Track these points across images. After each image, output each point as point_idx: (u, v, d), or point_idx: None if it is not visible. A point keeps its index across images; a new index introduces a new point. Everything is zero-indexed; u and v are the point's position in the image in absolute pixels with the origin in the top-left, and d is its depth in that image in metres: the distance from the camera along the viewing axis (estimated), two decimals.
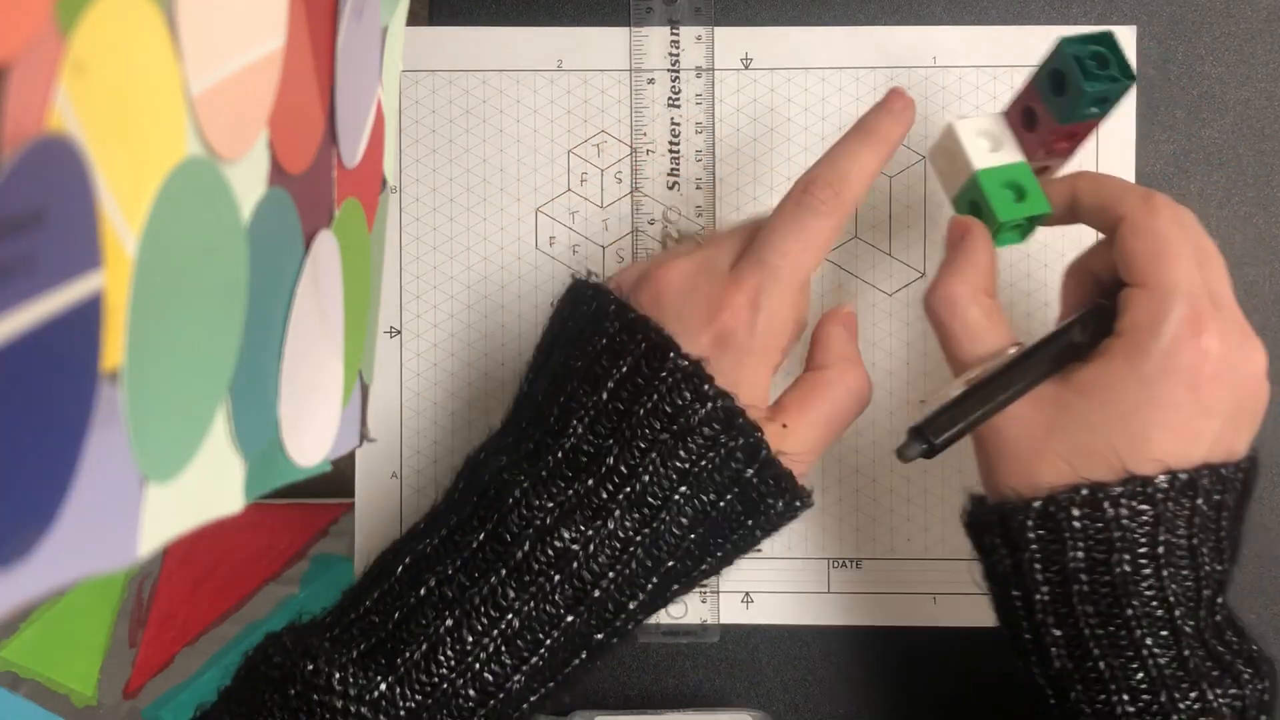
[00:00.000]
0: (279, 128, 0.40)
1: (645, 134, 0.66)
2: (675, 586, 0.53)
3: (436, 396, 0.67)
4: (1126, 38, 0.65)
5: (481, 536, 0.50)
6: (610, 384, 0.51)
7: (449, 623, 0.49)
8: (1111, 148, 0.65)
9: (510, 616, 0.49)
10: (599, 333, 0.52)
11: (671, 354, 0.50)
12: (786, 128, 0.66)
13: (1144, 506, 0.50)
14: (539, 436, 0.51)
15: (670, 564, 0.51)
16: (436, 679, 0.49)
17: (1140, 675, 0.50)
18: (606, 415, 0.50)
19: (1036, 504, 0.52)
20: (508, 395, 0.65)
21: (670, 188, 0.66)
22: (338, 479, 0.59)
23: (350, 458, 0.63)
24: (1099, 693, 0.51)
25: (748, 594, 0.66)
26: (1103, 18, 0.66)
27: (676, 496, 0.50)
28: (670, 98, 0.66)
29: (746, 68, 0.66)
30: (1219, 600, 0.53)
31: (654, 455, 0.50)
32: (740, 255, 0.53)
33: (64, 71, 0.27)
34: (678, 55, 0.66)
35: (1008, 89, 0.65)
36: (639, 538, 0.50)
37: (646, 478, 0.50)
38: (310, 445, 0.48)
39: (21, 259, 0.27)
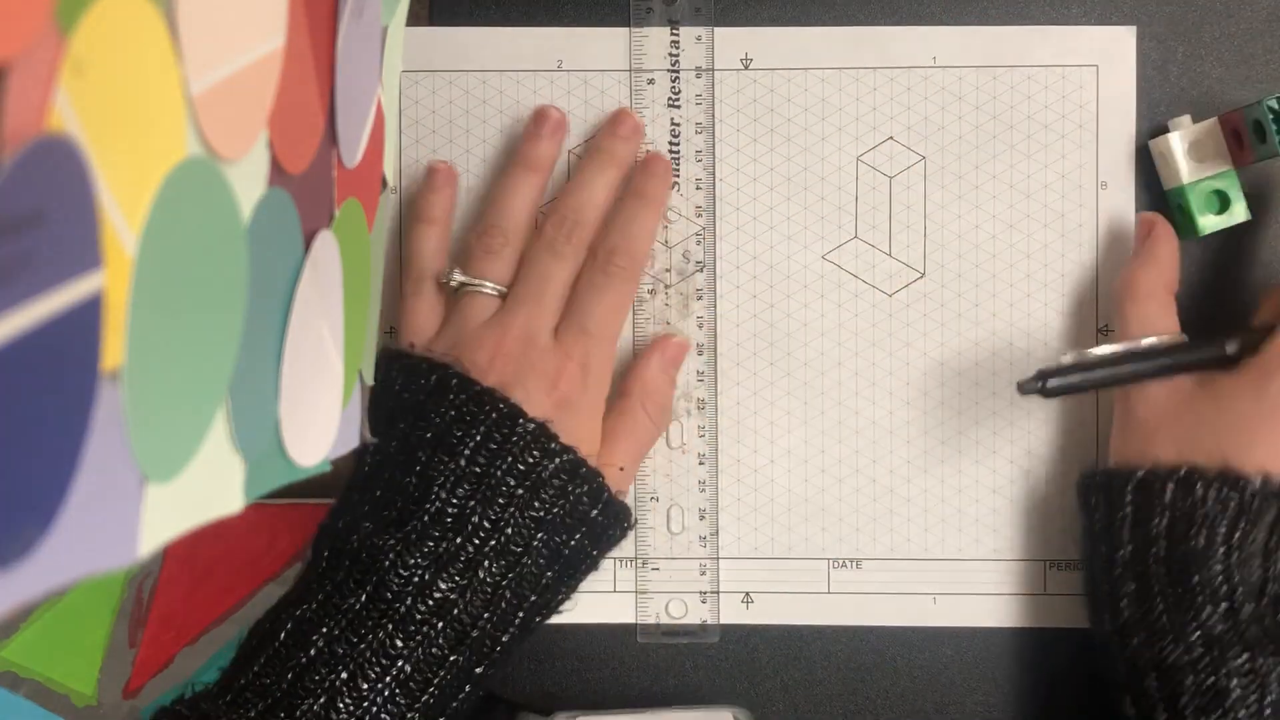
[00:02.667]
0: (279, 128, 0.40)
1: (645, 134, 0.66)
2: (537, 618, 0.59)
3: None
4: (1126, 39, 0.65)
5: (364, 597, 0.55)
6: (466, 450, 0.57)
7: (344, 675, 0.54)
8: (1112, 147, 0.65)
9: (401, 663, 0.55)
10: (443, 404, 0.58)
11: (520, 419, 0.57)
12: (786, 128, 0.66)
13: (1232, 495, 0.55)
14: (401, 504, 0.57)
15: (533, 599, 0.58)
16: None
17: (1197, 634, 0.55)
18: (466, 478, 0.57)
19: (1140, 473, 0.58)
20: None
21: (670, 188, 0.66)
22: (337, 479, 0.59)
23: (350, 457, 0.63)
24: (1157, 641, 0.56)
25: (748, 594, 0.66)
26: (1102, 18, 0.66)
27: (535, 543, 0.57)
28: (670, 98, 0.66)
29: (746, 68, 0.66)
30: None
31: (512, 509, 0.57)
32: (558, 321, 0.61)
33: (64, 71, 0.27)
34: (677, 55, 0.66)
35: (1008, 89, 0.65)
36: (505, 582, 0.57)
37: (510, 530, 0.57)
38: (310, 445, 0.48)
39: (21, 259, 0.27)
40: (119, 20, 0.30)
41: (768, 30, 0.66)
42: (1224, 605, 0.55)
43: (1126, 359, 0.59)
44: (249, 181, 0.39)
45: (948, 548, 0.66)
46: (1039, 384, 0.58)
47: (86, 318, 0.30)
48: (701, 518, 0.66)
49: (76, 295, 0.29)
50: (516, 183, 0.64)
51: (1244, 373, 0.57)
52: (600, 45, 0.66)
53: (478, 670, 0.57)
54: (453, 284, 0.62)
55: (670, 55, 0.66)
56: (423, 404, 0.59)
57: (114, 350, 0.31)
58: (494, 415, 0.57)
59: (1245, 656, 0.54)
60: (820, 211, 0.66)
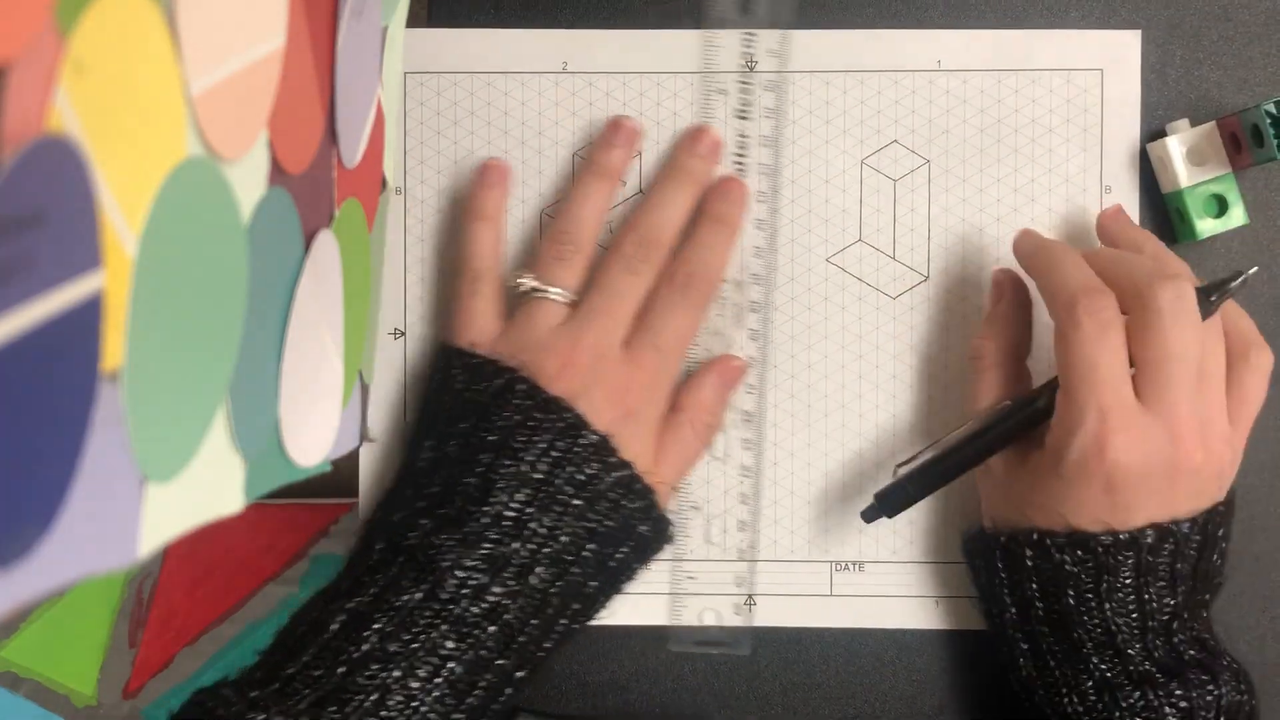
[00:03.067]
0: (279, 128, 0.40)
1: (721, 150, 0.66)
2: (576, 626, 0.60)
3: None
4: (1132, 43, 0.65)
5: (419, 596, 0.55)
6: (529, 456, 0.57)
7: (396, 673, 0.54)
8: (1116, 151, 0.65)
9: (452, 664, 0.55)
10: (508, 408, 0.58)
11: (584, 430, 0.58)
12: (791, 131, 0.66)
13: (1086, 555, 0.57)
14: (460, 503, 0.57)
15: (576, 607, 0.59)
16: None
17: (1089, 683, 0.57)
18: (527, 483, 0.57)
19: (1001, 539, 0.59)
20: None
21: (745, 212, 0.66)
22: (338, 479, 0.59)
23: (352, 458, 0.63)
24: (1055, 694, 0.59)
25: (750, 596, 0.66)
26: (1101, 21, 0.66)
27: (585, 553, 0.58)
28: (739, 109, 0.66)
29: (751, 70, 0.66)
30: (1176, 624, 0.57)
31: (568, 518, 0.58)
32: (629, 330, 0.61)
33: (64, 71, 0.28)
34: (748, 60, 0.66)
35: (1013, 92, 0.65)
36: (553, 589, 0.57)
37: (564, 538, 0.57)
38: (310, 445, 0.49)
39: (21, 259, 0.27)
40: (119, 20, 0.30)
41: (771, 34, 0.66)
42: (1109, 652, 0.57)
43: (956, 449, 0.60)
44: (249, 181, 0.39)
45: (950, 551, 0.66)
46: (882, 509, 0.61)
47: (86, 318, 0.30)
48: (741, 529, 0.66)
49: (76, 295, 0.29)
50: (588, 190, 0.64)
51: (1045, 450, 0.57)
52: (606, 47, 0.66)
53: (519, 674, 0.58)
54: (521, 288, 0.62)
55: (742, 60, 0.66)
56: (486, 406, 0.59)
57: (114, 350, 0.31)
58: (559, 424, 0.58)
59: (1138, 695, 0.56)
60: (824, 214, 0.66)
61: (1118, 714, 0.56)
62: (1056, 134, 0.65)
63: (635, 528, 0.60)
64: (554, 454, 0.57)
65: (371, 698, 0.53)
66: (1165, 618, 0.57)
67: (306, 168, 0.44)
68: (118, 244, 0.31)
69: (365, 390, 0.57)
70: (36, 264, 0.27)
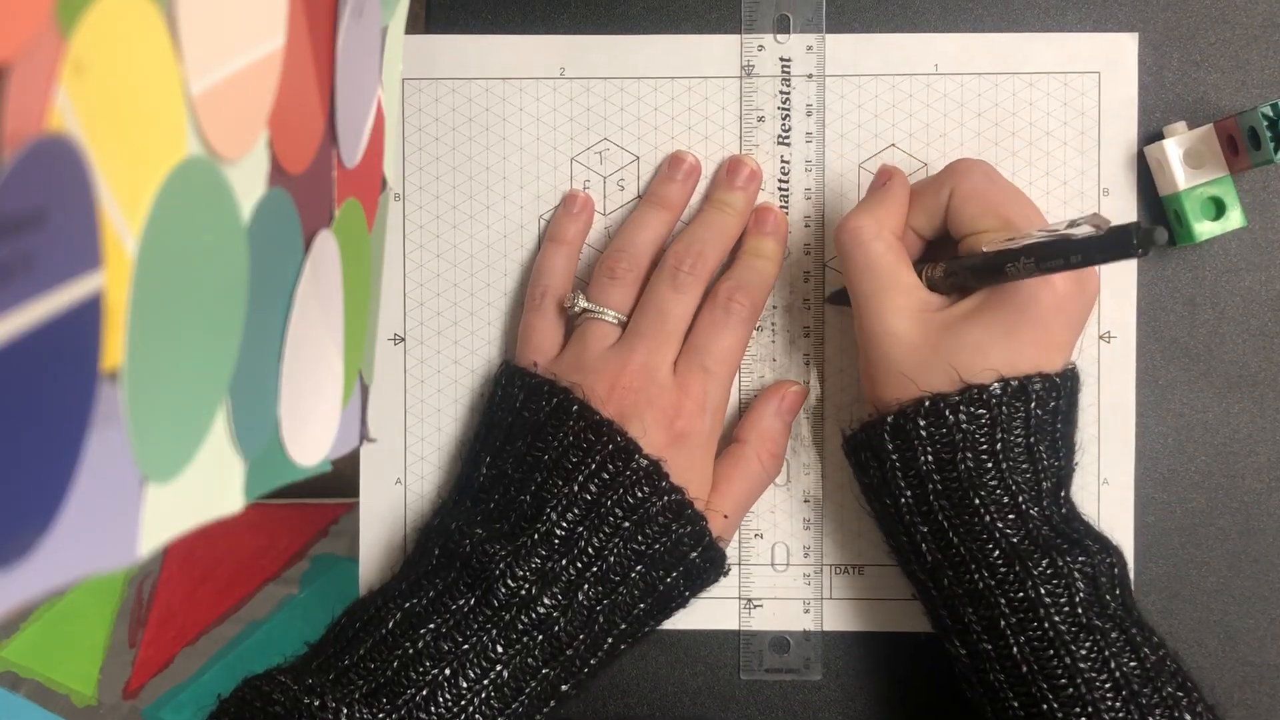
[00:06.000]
0: (279, 128, 0.40)
1: (762, 179, 0.66)
2: (623, 646, 0.61)
3: (440, 403, 0.67)
4: (1129, 45, 0.65)
5: (472, 601, 0.58)
6: (580, 477, 0.59)
7: (447, 671, 0.57)
8: (1114, 154, 0.65)
9: (500, 668, 0.57)
10: (562, 429, 0.60)
11: (636, 455, 0.59)
12: (790, 134, 0.66)
13: (979, 409, 0.57)
14: (514, 519, 0.60)
15: (623, 626, 0.61)
16: (435, 717, 0.56)
17: (996, 553, 0.57)
18: (577, 503, 0.59)
19: (890, 418, 0.58)
20: None
21: (785, 240, 0.66)
22: (338, 479, 0.59)
23: (353, 460, 0.63)
24: (964, 574, 0.58)
25: (750, 600, 0.66)
26: (1099, 24, 0.66)
27: (634, 574, 0.60)
28: (780, 136, 0.66)
29: (749, 75, 0.66)
30: (1062, 494, 0.59)
31: (617, 539, 0.59)
32: (677, 355, 0.63)
33: (64, 71, 0.28)
34: (789, 94, 0.66)
35: (1010, 96, 0.65)
36: (600, 607, 0.59)
37: (612, 558, 0.59)
38: (310, 445, 0.49)
39: (21, 259, 0.27)
40: (119, 20, 0.30)
41: (767, 38, 0.66)
42: (1011, 516, 0.57)
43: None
44: (249, 181, 0.39)
45: None
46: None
47: (86, 318, 0.30)
48: (806, 555, 0.67)
49: (76, 295, 0.29)
50: (645, 217, 0.65)
51: (979, 303, 0.58)
52: (603, 52, 0.66)
53: (564, 687, 0.60)
54: (575, 309, 0.64)
55: (783, 69, 0.66)
56: (541, 425, 0.61)
57: (114, 350, 0.31)
58: (610, 447, 0.59)
59: (1046, 561, 0.55)
60: (823, 217, 0.66)
61: (1030, 583, 0.55)
62: (1054, 137, 0.65)
63: (686, 554, 0.61)
64: (604, 476, 0.59)
65: (422, 693, 0.56)
66: (1052, 482, 0.58)
67: (306, 168, 0.44)
68: (118, 244, 0.31)
69: (365, 390, 0.57)
70: (36, 264, 0.27)
